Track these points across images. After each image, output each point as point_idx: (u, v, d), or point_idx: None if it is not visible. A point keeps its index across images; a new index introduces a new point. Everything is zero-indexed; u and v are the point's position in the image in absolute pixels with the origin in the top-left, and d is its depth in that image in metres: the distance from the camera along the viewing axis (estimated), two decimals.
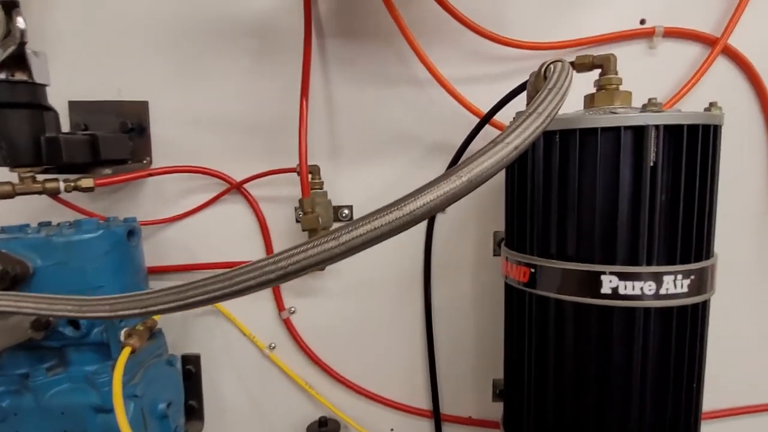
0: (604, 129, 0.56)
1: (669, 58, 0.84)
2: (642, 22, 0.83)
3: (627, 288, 0.56)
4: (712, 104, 0.62)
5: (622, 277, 0.56)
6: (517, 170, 0.66)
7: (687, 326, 0.59)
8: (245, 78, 0.87)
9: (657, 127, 0.54)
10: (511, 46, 0.82)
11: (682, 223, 0.57)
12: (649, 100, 0.55)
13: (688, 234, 0.57)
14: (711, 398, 0.88)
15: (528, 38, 0.82)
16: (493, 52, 0.84)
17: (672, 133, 0.55)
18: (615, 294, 0.57)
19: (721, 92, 0.83)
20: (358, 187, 0.89)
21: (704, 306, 0.60)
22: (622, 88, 0.62)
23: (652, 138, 0.55)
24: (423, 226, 0.89)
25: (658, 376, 0.59)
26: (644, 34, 0.83)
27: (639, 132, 0.55)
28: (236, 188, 0.88)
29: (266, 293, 0.92)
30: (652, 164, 0.55)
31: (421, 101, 0.86)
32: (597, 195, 0.57)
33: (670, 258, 0.57)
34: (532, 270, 0.63)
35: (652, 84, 0.84)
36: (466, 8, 0.80)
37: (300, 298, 0.93)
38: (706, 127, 0.56)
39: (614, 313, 0.58)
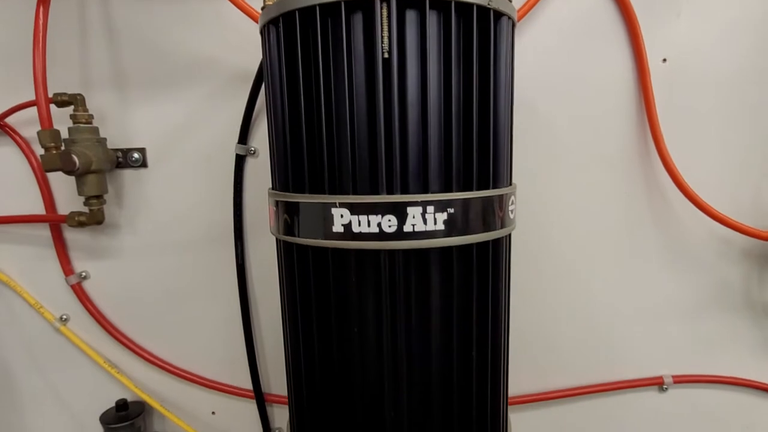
0: (324, 6, 0.41)
1: None
2: None
3: (361, 224, 0.42)
4: None
5: (355, 209, 0.42)
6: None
7: (452, 276, 0.45)
8: None
9: (388, 3, 0.40)
10: None
11: (441, 138, 0.42)
12: None
13: (445, 153, 0.43)
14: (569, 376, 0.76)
15: None
16: None
17: (420, 14, 0.41)
18: (348, 233, 0.43)
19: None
20: (152, 125, 0.74)
21: (485, 248, 0.46)
22: None
23: (383, 19, 0.40)
24: (230, 172, 0.74)
25: (421, 350, 0.45)
26: None
27: (368, 11, 0.40)
28: None
29: (50, 254, 0.77)
30: (385, 56, 0.41)
31: (216, 19, 0.70)
32: (321, 101, 0.42)
33: (421, 185, 0.43)
34: (274, 207, 0.49)
35: None
36: None
37: (92, 260, 0.78)
38: (464, 6, 0.42)
39: (349, 259, 0.44)
